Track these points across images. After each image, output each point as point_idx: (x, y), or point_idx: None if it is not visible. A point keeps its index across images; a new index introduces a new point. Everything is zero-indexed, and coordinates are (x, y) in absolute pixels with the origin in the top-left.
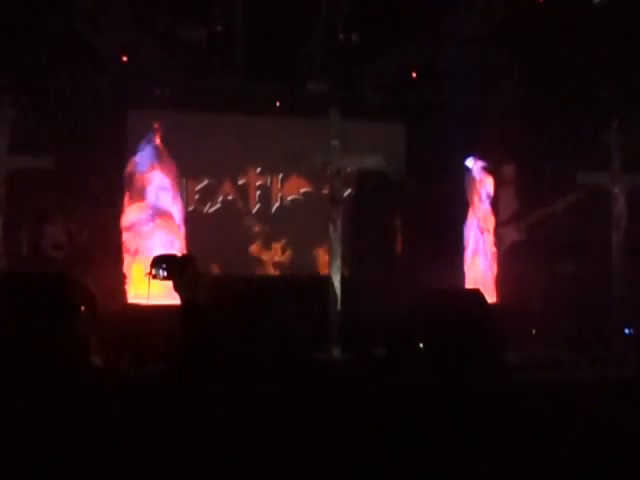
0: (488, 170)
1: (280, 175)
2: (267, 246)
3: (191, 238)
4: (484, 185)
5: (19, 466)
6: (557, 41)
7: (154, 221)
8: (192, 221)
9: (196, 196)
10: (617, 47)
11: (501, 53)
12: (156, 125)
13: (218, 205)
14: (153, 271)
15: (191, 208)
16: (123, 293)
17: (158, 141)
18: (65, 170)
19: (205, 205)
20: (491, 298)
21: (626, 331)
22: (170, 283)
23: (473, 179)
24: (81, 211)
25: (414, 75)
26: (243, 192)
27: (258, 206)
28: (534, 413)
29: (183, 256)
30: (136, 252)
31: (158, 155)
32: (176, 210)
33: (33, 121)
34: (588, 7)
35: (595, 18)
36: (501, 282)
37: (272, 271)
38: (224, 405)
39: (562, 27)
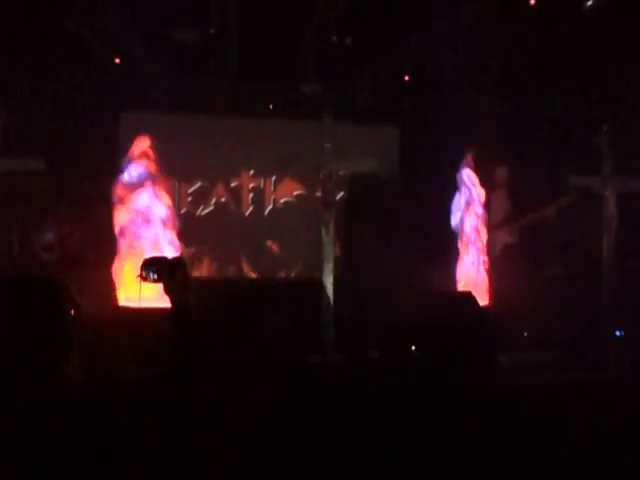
0: (481, 172)
1: (273, 177)
2: (260, 248)
3: (184, 241)
4: (476, 188)
5: (8, 471)
6: (549, 44)
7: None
8: (185, 224)
9: (189, 199)
10: (608, 50)
11: (494, 56)
12: (146, 137)
13: (211, 208)
14: (143, 273)
15: (184, 211)
16: (114, 296)
17: (149, 154)
18: (56, 172)
19: (198, 208)
20: (483, 301)
21: (617, 333)
22: (161, 286)
23: (466, 182)
24: (72, 213)
25: (407, 78)
26: (236, 195)
27: (251, 209)
28: (526, 415)
29: (173, 259)
30: (127, 254)
31: (148, 172)
32: (166, 216)
33: (24, 123)
34: (579, 10)
35: (586, 21)
36: (493, 285)
37: (265, 274)
38: (217, 409)
39: (554, 30)
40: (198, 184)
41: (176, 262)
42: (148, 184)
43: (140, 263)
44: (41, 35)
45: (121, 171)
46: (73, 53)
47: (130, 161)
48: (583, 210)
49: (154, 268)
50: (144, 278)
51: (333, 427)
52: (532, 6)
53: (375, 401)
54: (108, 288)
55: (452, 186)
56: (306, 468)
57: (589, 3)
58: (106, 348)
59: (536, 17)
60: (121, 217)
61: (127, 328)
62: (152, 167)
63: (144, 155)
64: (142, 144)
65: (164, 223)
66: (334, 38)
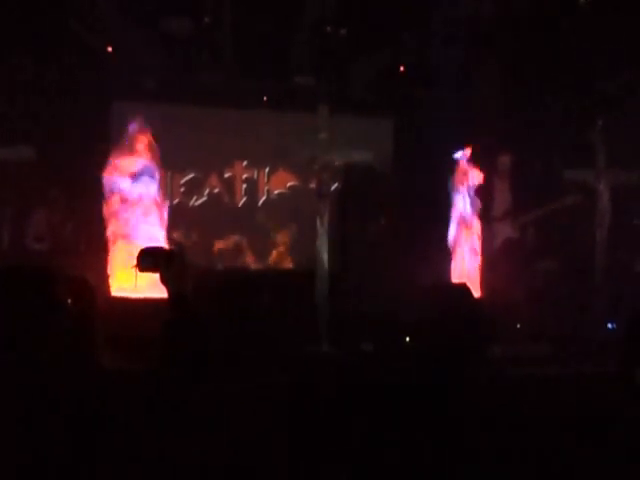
0: (476, 165)
1: (267, 169)
2: (254, 240)
3: (177, 231)
4: (471, 180)
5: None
6: (545, 39)
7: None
8: (177, 214)
9: (181, 189)
10: (604, 45)
11: (490, 50)
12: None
13: (204, 198)
14: (140, 263)
15: (176, 201)
16: (107, 286)
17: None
18: (47, 161)
19: (191, 198)
20: (476, 292)
21: (609, 326)
22: (157, 276)
23: (459, 173)
24: (63, 203)
25: (402, 70)
26: (229, 185)
27: (244, 200)
28: (520, 408)
29: (170, 248)
30: (120, 244)
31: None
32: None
33: (15, 112)
34: (575, 5)
35: (581, 17)
36: (487, 277)
37: (259, 266)
38: (215, 402)
39: (549, 25)
40: (191, 175)
41: (173, 252)
42: (142, 174)
43: (134, 253)
44: (34, 24)
45: (114, 161)
46: (66, 42)
47: (125, 150)
48: (581, 206)
49: (151, 258)
50: (140, 268)
51: (331, 423)
52: (528, 2)
53: (372, 395)
54: (101, 278)
55: (447, 178)
56: (305, 465)
57: None
58: (101, 339)
59: (532, 13)
60: (113, 206)
61: (122, 318)
62: (147, 155)
63: (141, 144)
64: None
65: (158, 212)
66: (329, 29)
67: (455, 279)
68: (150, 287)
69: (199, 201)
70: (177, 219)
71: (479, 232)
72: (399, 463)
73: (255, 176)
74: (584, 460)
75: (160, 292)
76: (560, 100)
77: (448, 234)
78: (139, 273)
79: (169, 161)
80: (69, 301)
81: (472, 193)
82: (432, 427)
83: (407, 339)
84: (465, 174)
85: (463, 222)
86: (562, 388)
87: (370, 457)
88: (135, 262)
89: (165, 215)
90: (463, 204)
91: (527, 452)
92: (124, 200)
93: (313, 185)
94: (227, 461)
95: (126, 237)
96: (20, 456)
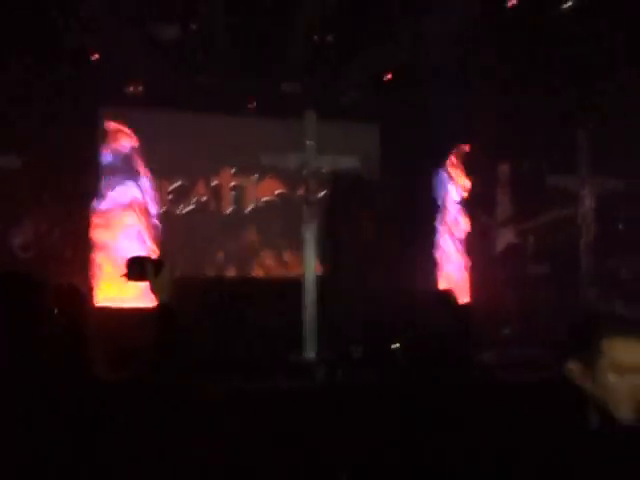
0: (463, 171)
1: (254, 176)
2: (242, 248)
3: (164, 239)
4: (458, 186)
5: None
6: (530, 43)
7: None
8: (165, 222)
9: (169, 197)
10: (586, 50)
11: (479, 54)
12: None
13: (192, 206)
14: (128, 273)
15: (164, 209)
16: (92, 295)
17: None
18: (33, 169)
19: (178, 206)
20: (464, 298)
21: None
22: (144, 285)
23: (447, 180)
24: (50, 212)
25: (390, 76)
26: (217, 193)
27: (232, 207)
28: (508, 412)
29: (158, 257)
30: (105, 254)
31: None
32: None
33: (0, 119)
34: (560, 9)
35: (565, 22)
36: (475, 283)
37: (247, 273)
38: (201, 409)
39: (533, 30)
40: (178, 182)
41: (161, 261)
42: (129, 181)
43: (121, 262)
44: (18, 30)
45: (101, 168)
46: (52, 48)
47: (111, 157)
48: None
49: (138, 267)
50: (128, 277)
51: (328, 423)
52: (515, 5)
53: (359, 400)
54: (86, 287)
55: (434, 184)
56: (305, 465)
57: (569, 4)
58: (87, 348)
59: (519, 16)
60: (100, 216)
61: (108, 328)
62: (134, 162)
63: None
64: (124, 139)
65: (144, 221)
66: (316, 37)
67: (442, 285)
68: (136, 297)
69: (186, 209)
70: (164, 227)
71: (467, 237)
72: (399, 463)
73: (243, 184)
74: (583, 460)
75: (146, 301)
76: (549, 105)
77: (436, 240)
78: (127, 282)
79: (156, 168)
80: (57, 309)
81: (460, 198)
82: (430, 427)
83: (395, 345)
84: (452, 179)
85: (451, 227)
86: (558, 391)
87: (370, 457)
88: (123, 271)
89: (153, 222)
90: (451, 209)
91: (526, 453)
92: (111, 210)
93: (301, 192)
94: (227, 461)
95: (112, 247)
96: (8, 461)
